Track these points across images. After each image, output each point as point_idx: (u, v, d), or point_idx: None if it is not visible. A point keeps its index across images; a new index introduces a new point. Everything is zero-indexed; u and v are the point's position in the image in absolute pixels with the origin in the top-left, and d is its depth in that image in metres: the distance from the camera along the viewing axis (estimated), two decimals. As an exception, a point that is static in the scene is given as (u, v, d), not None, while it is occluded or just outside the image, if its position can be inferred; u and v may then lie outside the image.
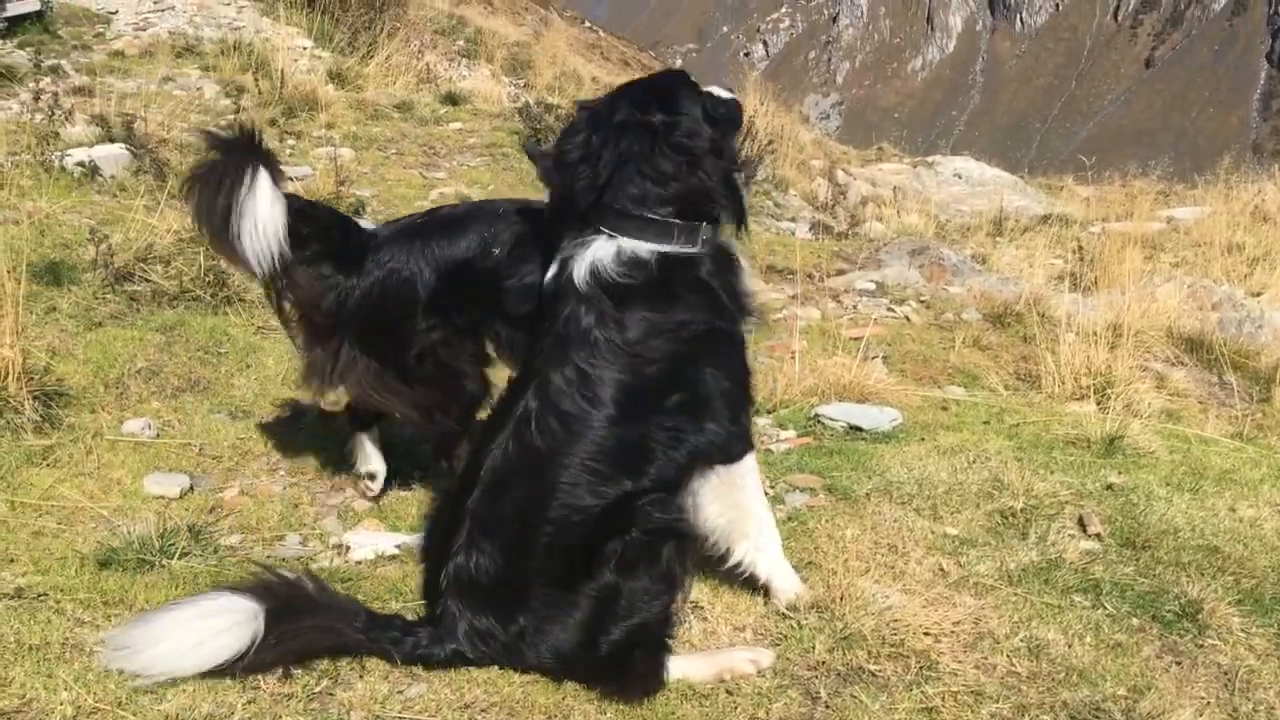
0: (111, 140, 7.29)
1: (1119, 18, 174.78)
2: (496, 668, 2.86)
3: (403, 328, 3.64)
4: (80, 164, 6.77)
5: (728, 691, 2.88)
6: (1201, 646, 3.19)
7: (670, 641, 2.93)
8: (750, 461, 3.15)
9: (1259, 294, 9.08)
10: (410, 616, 3.04)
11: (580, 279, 2.98)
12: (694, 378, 2.99)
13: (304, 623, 2.80)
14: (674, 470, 2.96)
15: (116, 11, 13.73)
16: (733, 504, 3.12)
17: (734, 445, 3.08)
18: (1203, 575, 3.54)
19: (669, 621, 2.94)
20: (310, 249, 3.57)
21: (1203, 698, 2.97)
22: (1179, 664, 3.11)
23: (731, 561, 3.19)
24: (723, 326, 3.07)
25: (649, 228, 3.02)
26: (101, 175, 6.80)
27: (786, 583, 3.28)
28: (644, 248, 3.00)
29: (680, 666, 2.93)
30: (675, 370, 2.96)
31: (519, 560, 2.84)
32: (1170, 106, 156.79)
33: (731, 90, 3.34)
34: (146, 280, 5.35)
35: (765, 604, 3.27)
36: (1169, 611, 3.33)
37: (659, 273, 2.99)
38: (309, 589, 2.90)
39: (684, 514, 3.02)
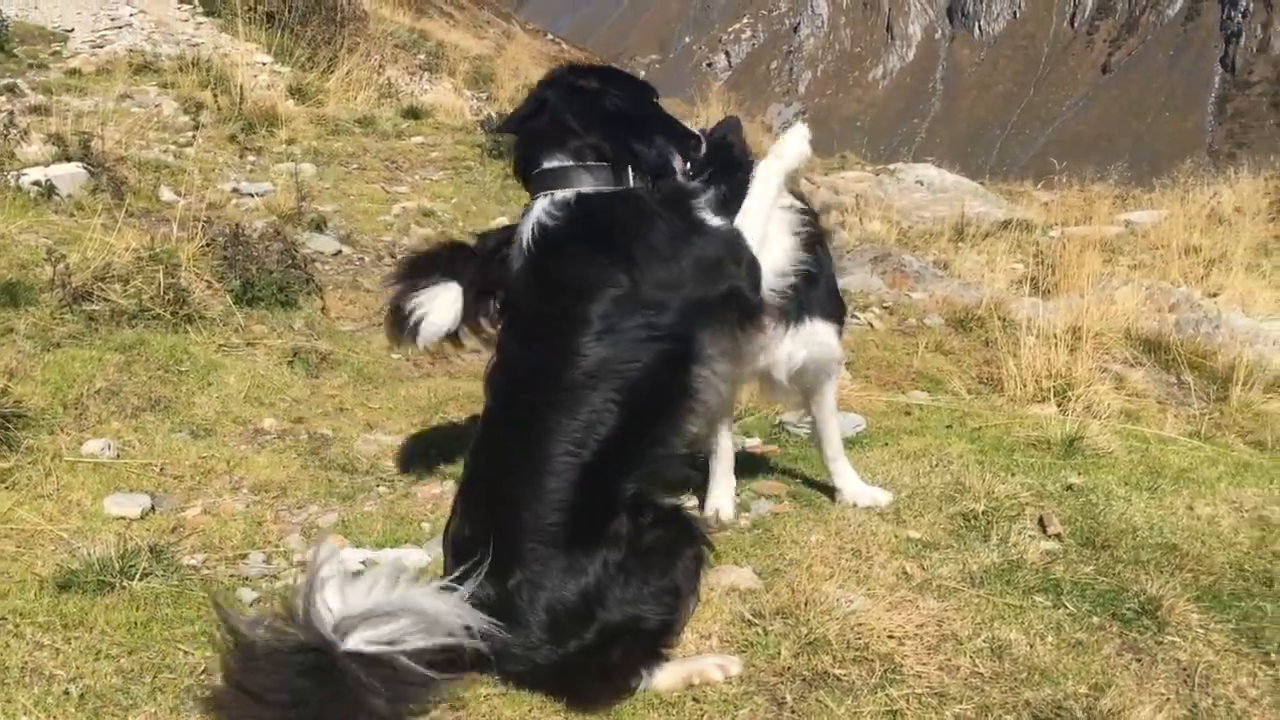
0: (68, 159, 7.21)
1: (1075, 24, 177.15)
2: (465, 681, 2.85)
3: None
4: (36, 183, 6.69)
5: (694, 699, 2.88)
6: (1161, 644, 3.23)
7: (664, 652, 2.93)
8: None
9: (1215, 295, 9.23)
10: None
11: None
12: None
13: None
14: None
15: (73, 29, 13.64)
16: None
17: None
18: (1161, 573, 3.58)
19: (669, 629, 2.93)
20: None
21: (1163, 694, 3.01)
22: (1139, 661, 3.15)
23: None
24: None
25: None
26: (58, 194, 6.72)
27: None
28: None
29: (651, 677, 2.92)
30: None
31: (510, 523, 2.86)
32: (1127, 111, 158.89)
33: None
34: (105, 299, 5.30)
35: (730, 611, 3.28)
36: (1129, 610, 3.37)
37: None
38: None
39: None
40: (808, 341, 3.62)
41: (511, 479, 2.91)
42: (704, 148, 3.46)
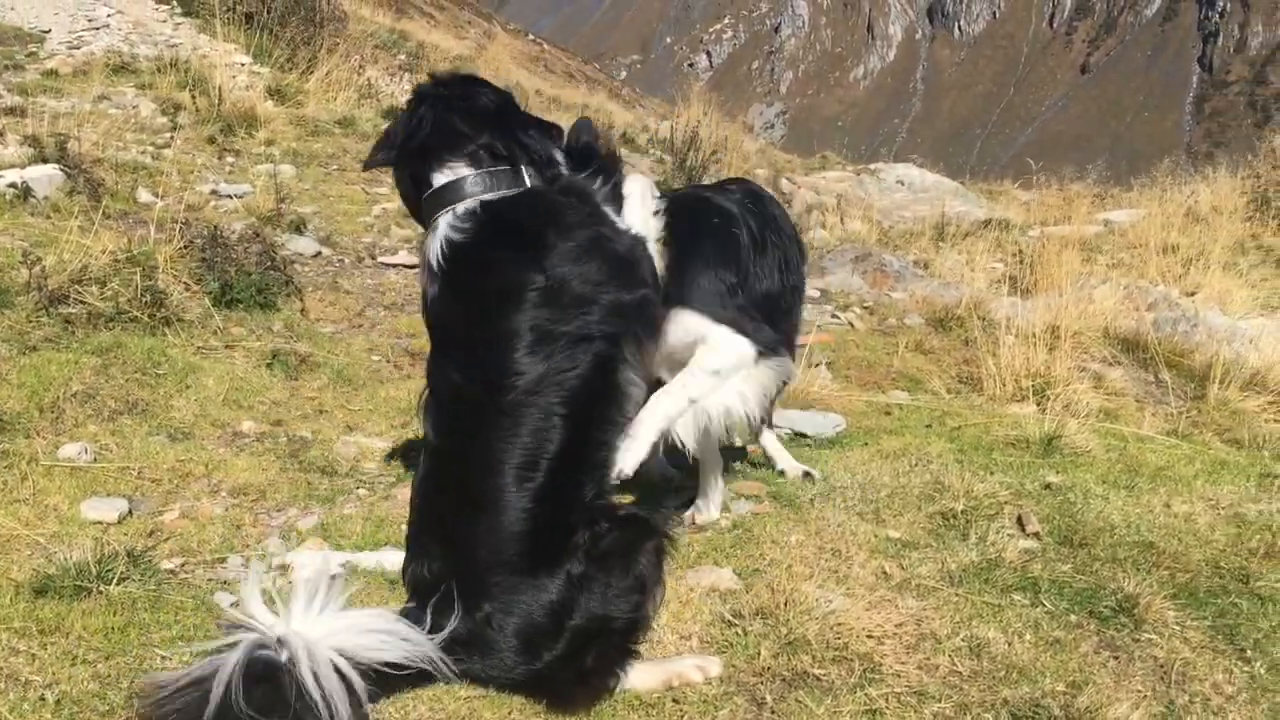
0: (45, 161, 7.16)
1: (1055, 25, 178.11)
2: (443, 684, 2.85)
3: None
4: (12, 185, 6.64)
5: (674, 700, 2.89)
6: (1138, 641, 3.25)
7: (637, 649, 2.94)
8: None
9: (1193, 294, 9.29)
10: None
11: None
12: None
13: None
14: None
15: (50, 30, 13.52)
16: None
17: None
18: (1138, 571, 3.61)
19: (637, 625, 2.94)
20: None
21: (1140, 691, 3.03)
22: (1116, 659, 3.17)
23: None
24: None
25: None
26: (34, 196, 6.68)
27: None
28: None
29: (627, 676, 2.93)
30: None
31: (466, 554, 2.86)
32: (1106, 111, 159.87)
33: None
34: (82, 302, 5.26)
35: (710, 612, 3.29)
36: (1106, 607, 3.39)
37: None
38: None
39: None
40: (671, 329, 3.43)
41: (465, 516, 2.90)
42: (564, 139, 3.41)
